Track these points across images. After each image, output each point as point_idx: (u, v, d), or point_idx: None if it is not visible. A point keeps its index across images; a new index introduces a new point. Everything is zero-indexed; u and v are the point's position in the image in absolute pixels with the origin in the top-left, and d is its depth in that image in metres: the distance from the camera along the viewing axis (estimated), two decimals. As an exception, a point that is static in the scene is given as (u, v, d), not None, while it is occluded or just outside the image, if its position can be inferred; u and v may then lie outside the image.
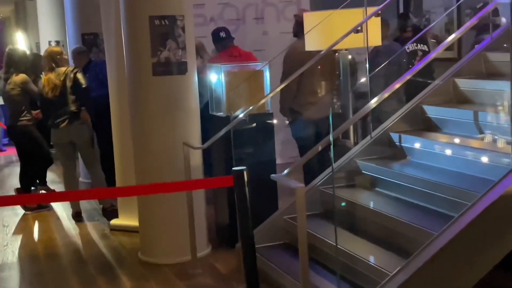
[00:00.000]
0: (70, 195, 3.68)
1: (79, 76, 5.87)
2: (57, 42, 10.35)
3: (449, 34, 8.34)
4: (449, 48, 8.41)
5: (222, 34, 6.07)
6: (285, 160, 8.14)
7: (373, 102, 3.43)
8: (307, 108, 5.41)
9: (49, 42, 10.49)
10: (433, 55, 3.72)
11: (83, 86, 5.86)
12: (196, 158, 4.66)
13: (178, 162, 4.51)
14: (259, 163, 4.79)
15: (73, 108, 5.84)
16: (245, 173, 2.87)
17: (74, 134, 5.94)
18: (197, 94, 4.76)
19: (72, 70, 5.91)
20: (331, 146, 3.26)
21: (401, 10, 8.99)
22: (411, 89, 5.45)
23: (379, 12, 4.56)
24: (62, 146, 6.05)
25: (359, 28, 4.39)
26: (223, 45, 6.03)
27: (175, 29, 4.54)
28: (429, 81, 5.63)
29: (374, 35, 4.65)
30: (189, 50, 4.62)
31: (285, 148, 8.11)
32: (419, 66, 3.56)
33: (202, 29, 7.90)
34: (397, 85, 3.50)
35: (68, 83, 5.83)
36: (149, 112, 4.63)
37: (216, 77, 4.96)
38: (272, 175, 3.06)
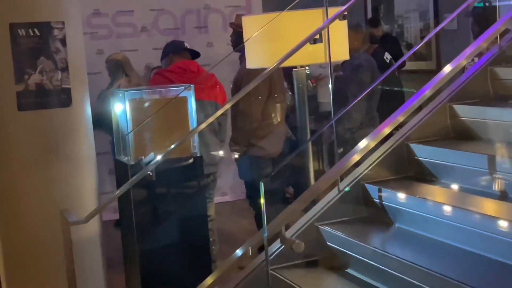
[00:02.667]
0: None
1: None
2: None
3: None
4: (425, 57, 7.27)
5: (187, 45, 4.53)
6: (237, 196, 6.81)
7: (361, 147, 2.02)
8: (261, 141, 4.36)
9: None
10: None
11: None
12: (90, 230, 3.23)
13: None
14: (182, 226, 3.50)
15: None
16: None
17: None
18: (90, 133, 3.34)
19: None
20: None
21: (370, 15, 7.79)
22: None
23: (345, 13, 3.21)
24: None
25: (317, 36, 3.05)
26: (182, 56, 4.36)
27: (50, 42, 3.12)
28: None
29: (340, 46, 3.31)
30: (74, 72, 3.20)
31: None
32: (426, 90, 2.17)
33: (131, 41, 6.56)
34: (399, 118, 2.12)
35: None
36: (16, 164, 3.18)
37: (120, 108, 3.54)
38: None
